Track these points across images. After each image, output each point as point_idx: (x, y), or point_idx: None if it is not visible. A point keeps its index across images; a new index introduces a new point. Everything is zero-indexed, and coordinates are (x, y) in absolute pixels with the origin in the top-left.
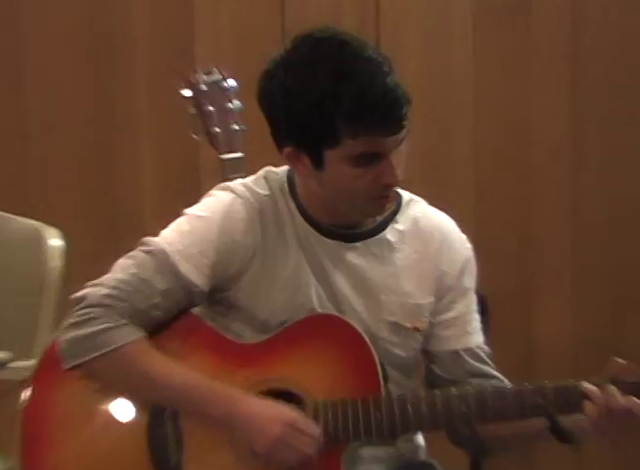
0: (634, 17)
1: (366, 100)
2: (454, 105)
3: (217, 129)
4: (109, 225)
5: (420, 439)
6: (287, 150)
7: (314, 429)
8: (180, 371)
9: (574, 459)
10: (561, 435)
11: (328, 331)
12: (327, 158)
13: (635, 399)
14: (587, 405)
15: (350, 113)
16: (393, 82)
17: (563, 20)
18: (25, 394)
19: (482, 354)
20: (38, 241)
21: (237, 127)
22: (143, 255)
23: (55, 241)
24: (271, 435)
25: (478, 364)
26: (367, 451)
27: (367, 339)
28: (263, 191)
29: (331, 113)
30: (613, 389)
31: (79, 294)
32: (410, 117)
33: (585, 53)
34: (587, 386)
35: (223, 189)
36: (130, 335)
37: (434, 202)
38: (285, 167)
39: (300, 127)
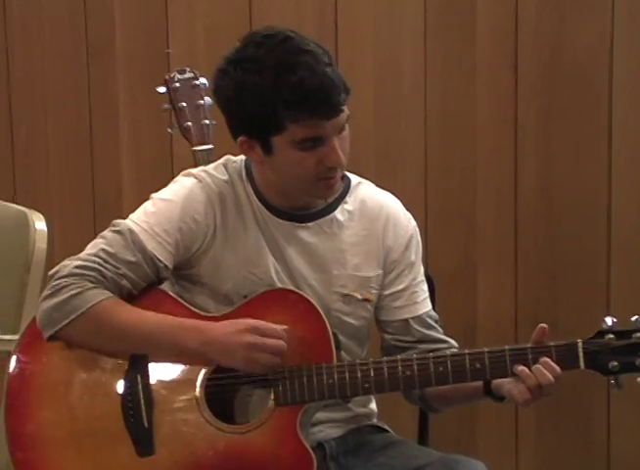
0: (567, 26)
1: (304, 88)
2: (407, 104)
3: (189, 123)
4: (90, 211)
5: (373, 404)
6: (240, 139)
7: (275, 326)
8: (150, 315)
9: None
10: (492, 395)
11: (285, 304)
12: (275, 144)
13: (554, 365)
14: (519, 386)
15: (289, 101)
16: (332, 71)
17: (504, 30)
18: (10, 366)
19: (430, 321)
20: (25, 225)
21: (207, 122)
22: (112, 234)
23: (40, 225)
24: (243, 345)
25: (425, 331)
26: (323, 414)
27: (321, 310)
28: (223, 176)
29: (273, 102)
30: (539, 368)
31: (55, 269)
32: (351, 105)
33: (524, 60)
34: (518, 368)
35: (186, 175)
36: (98, 295)
37: (387, 190)
38: (243, 156)
39: (249, 118)
